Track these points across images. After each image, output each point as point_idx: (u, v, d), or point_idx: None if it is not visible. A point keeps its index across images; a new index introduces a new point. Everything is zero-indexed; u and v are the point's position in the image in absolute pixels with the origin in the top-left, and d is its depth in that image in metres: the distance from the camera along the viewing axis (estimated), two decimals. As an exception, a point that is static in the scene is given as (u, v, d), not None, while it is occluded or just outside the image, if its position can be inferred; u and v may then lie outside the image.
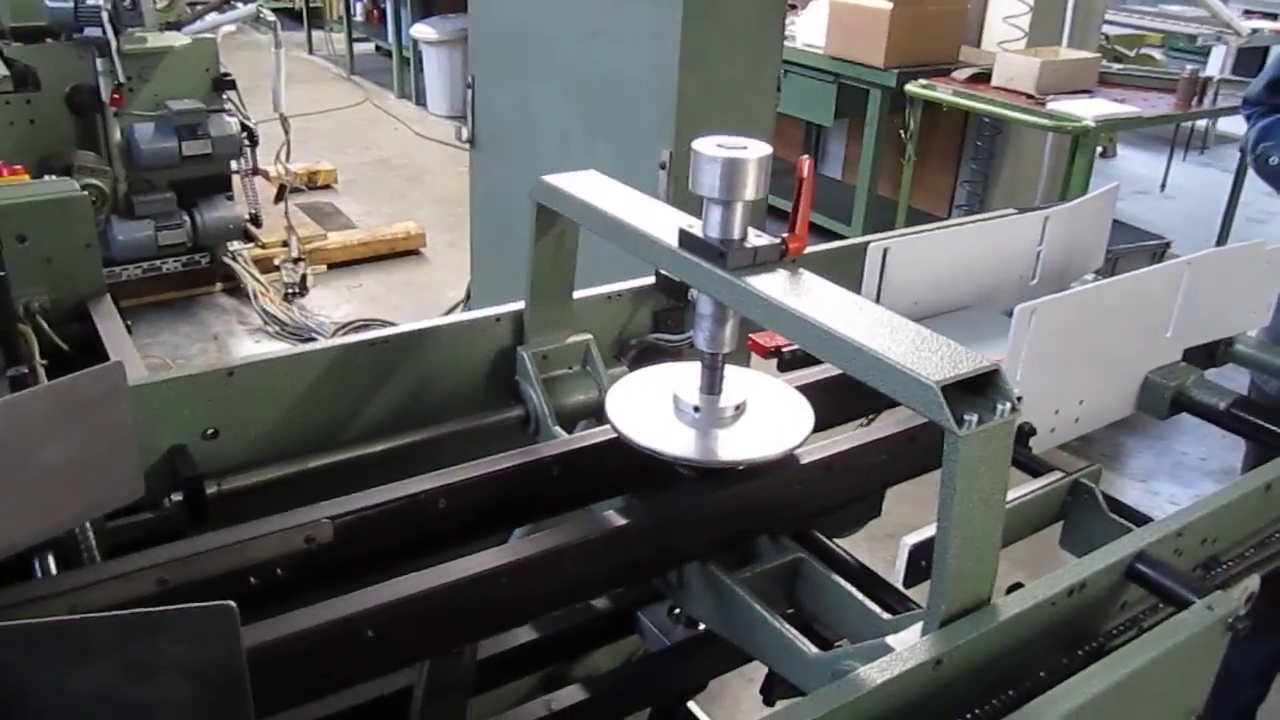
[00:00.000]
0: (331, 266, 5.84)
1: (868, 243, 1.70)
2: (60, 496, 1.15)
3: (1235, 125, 7.66)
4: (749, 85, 2.93)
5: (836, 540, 1.42)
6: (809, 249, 1.27)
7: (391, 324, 1.64)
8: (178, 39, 4.92)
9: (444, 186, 7.30)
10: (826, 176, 7.06)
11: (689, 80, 2.80)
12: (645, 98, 2.92)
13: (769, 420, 1.40)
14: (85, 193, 1.91)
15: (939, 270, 1.78)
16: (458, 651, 1.32)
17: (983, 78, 5.30)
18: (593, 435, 1.48)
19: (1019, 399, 1.05)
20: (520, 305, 1.64)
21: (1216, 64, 7.90)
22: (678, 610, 1.48)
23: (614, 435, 1.38)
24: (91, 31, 4.47)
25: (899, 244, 1.68)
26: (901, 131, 5.56)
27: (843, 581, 1.30)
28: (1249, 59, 8.01)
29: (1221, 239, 5.81)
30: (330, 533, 1.24)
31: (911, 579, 1.26)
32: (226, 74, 5.03)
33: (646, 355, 1.80)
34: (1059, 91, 5.08)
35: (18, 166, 2.71)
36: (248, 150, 5.09)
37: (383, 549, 1.29)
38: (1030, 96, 5.04)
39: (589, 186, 1.48)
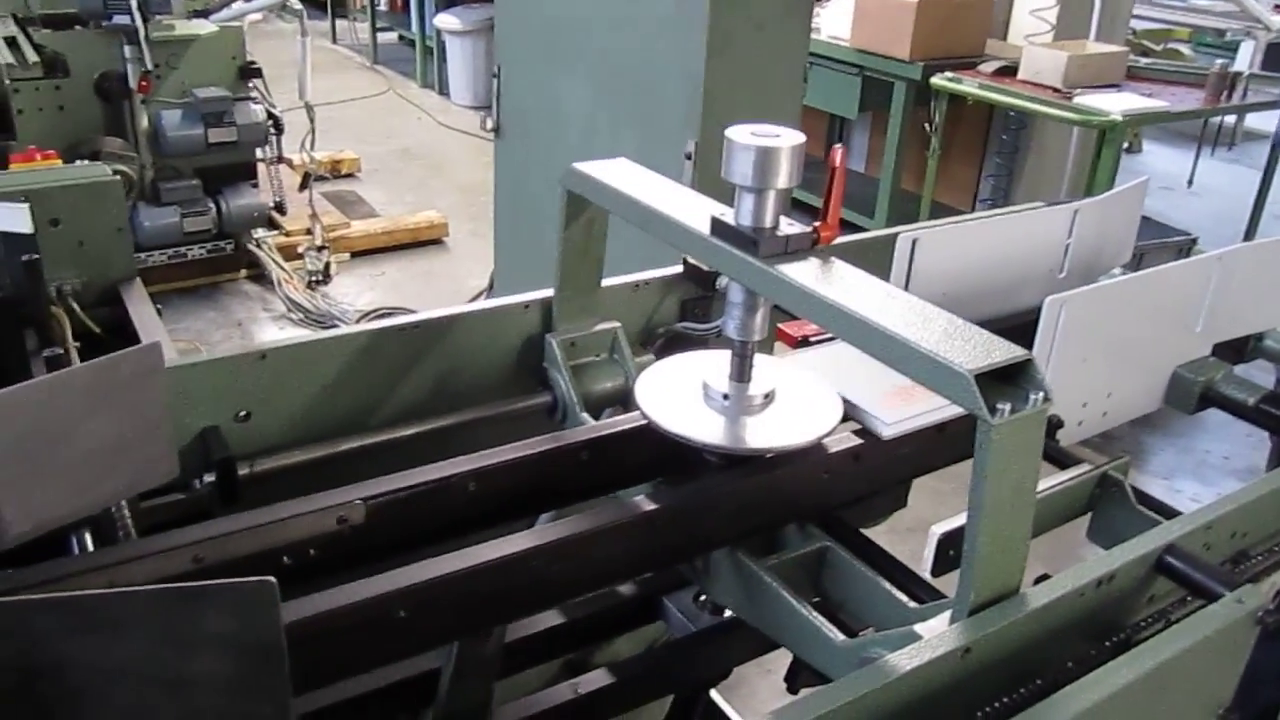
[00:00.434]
0: (355, 255, 5.87)
1: (897, 233, 1.70)
2: (98, 474, 1.17)
3: (1264, 121, 7.62)
4: (776, 76, 2.93)
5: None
6: (837, 240, 1.28)
7: (413, 312, 1.65)
8: (205, 27, 4.96)
9: (466, 176, 7.33)
10: (850, 169, 7.01)
11: (716, 70, 2.80)
12: (672, 88, 2.92)
13: (797, 409, 1.40)
14: (117, 177, 1.93)
15: (968, 262, 1.78)
16: (486, 633, 1.33)
17: (1009, 71, 5.27)
18: (622, 421, 1.48)
19: (1049, 390, 1.05)
20: (549, 293, 1.65)
21: (1245, 59, 7.79)
22: (703, 597, 1.48)
23: (643, 421, 1.39)
24: (120, 19, 4.52)
25: (928, 235, 1.68)
26: (926, 125, 5.54)
27: (870, 570, 1.31)
28: (1278, 54, 7.91)
29: (1249, 237, 5.75)
30: (363, 514, 1.25)
31: (939, 568, 1.27)
32: (253, 62, 5.06)
33: (673, 344, 1.80)
34: (1086, 86, 5.04)
35: (50, 151, 2.74)
36: (273, 138, 5.13)
37: (413, 531, 1.30)
38: (1057, 90, 5.01)
39: (620, 174, 1.48)
